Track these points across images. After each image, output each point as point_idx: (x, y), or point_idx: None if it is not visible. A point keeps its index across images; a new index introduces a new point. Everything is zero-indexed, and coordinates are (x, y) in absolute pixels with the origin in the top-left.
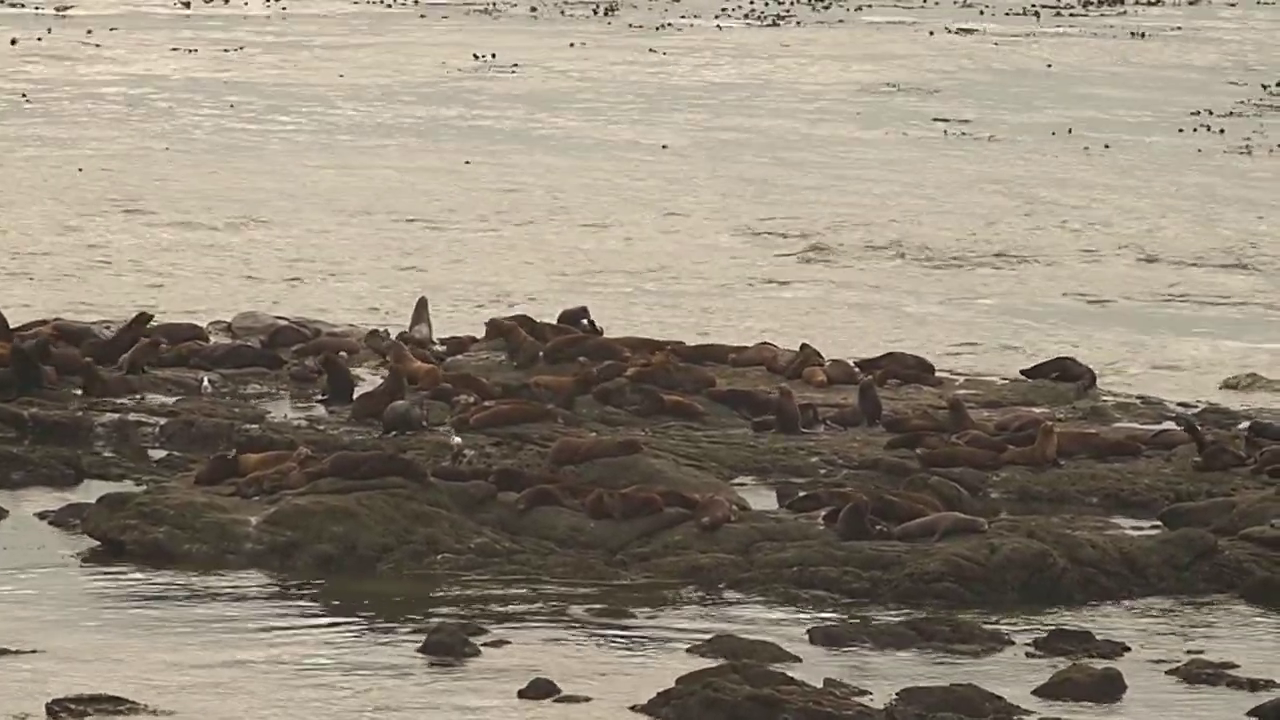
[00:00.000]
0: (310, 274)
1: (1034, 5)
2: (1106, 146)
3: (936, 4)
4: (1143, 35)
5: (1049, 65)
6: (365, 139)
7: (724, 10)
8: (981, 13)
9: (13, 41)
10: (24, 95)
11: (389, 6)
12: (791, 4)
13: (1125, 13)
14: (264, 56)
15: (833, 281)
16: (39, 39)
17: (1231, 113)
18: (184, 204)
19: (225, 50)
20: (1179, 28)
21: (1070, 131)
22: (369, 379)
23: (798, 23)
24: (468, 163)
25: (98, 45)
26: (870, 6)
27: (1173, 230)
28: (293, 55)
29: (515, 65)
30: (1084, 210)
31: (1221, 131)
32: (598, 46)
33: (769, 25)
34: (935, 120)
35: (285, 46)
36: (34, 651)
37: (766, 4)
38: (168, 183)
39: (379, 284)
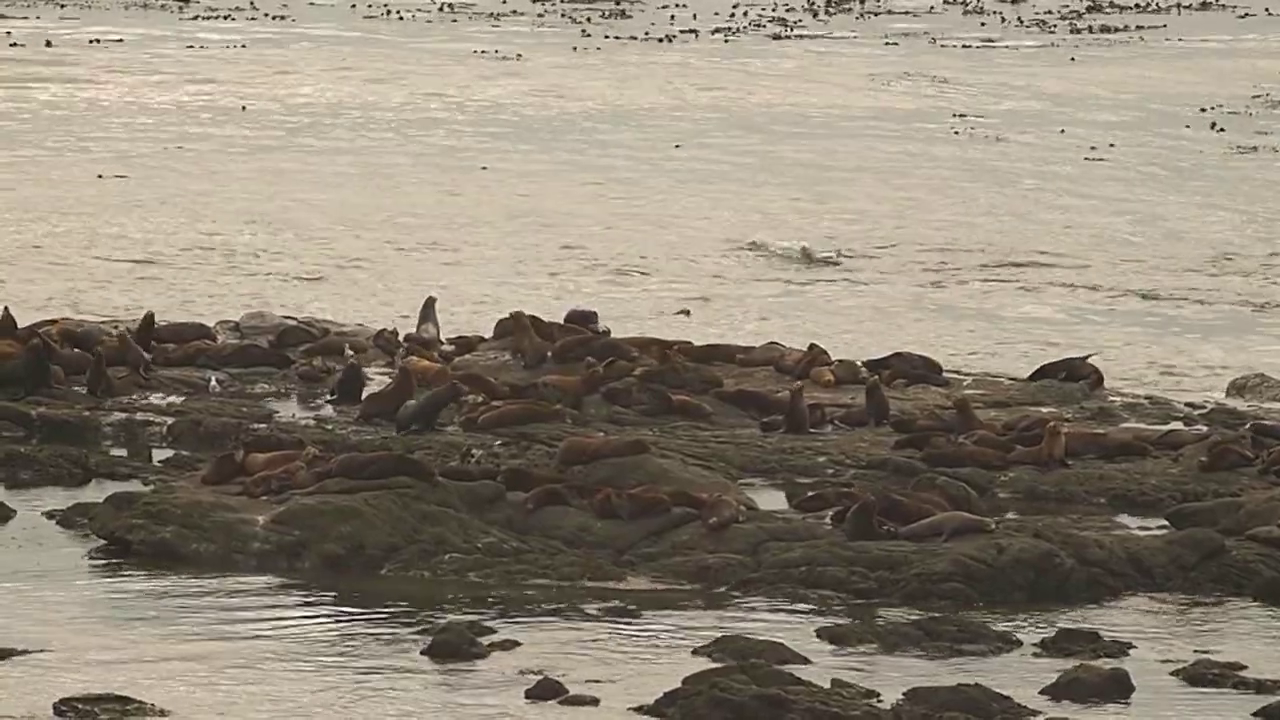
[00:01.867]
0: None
1: (1047, 14)
2: (1112, 145)
3: (946, 9)
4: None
5: (1069, 62)
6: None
7: (731, 23)
8: (983, 24)
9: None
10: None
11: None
12: (801, 10)
13: (1142, 30)
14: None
15: (846, 282)
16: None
17: (1246, 110)
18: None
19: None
20: (1205, 40)
21: (1080, 132)
22: (376, 378)
23: (815, 35)
24: (484, 168)
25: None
26: (876, 14)
27: (1182, 228)
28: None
29: (520, 55)
30: (1090, 210)
31: (1221, 130)
32: (610, 55)
33: (773, 38)
34: (952, 118)
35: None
36: (41, 651)
37: (772, 15)
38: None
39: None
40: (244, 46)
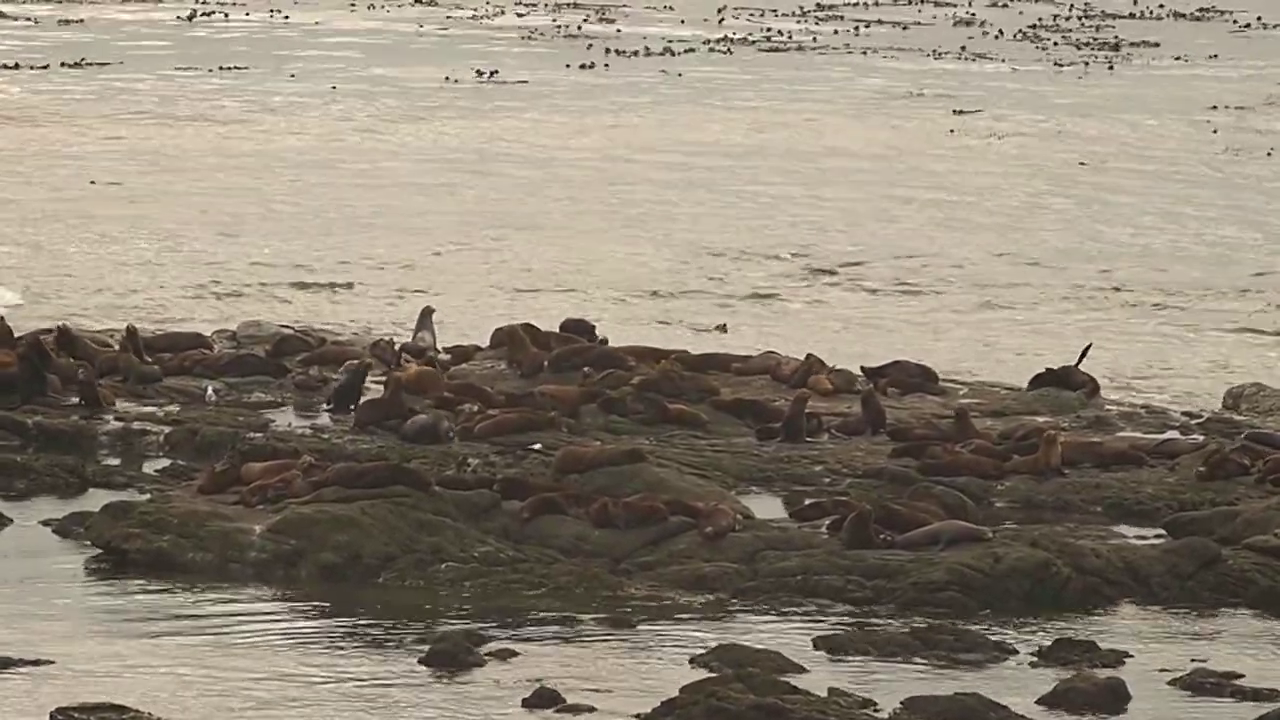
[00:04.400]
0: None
1: (1038, 21)
2: (1104, 160)
3: (934, 19)
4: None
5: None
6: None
7: (721, 30)
8: (970, 38)
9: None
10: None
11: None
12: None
13: (1139, 47)
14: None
15: (845, 292)
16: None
17: (1242, 106)
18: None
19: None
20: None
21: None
22: (374, 388)
23: (810, 47)
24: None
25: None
26: (867, 25)
27: (1177, 235)
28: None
29: (522, 83)
30: (1086, 215)
31: (1215, 132)
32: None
33: (768, 51)
34: (951, 114)
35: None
36: (37, 661)
37: (761, 27)
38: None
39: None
40: (242, 69)
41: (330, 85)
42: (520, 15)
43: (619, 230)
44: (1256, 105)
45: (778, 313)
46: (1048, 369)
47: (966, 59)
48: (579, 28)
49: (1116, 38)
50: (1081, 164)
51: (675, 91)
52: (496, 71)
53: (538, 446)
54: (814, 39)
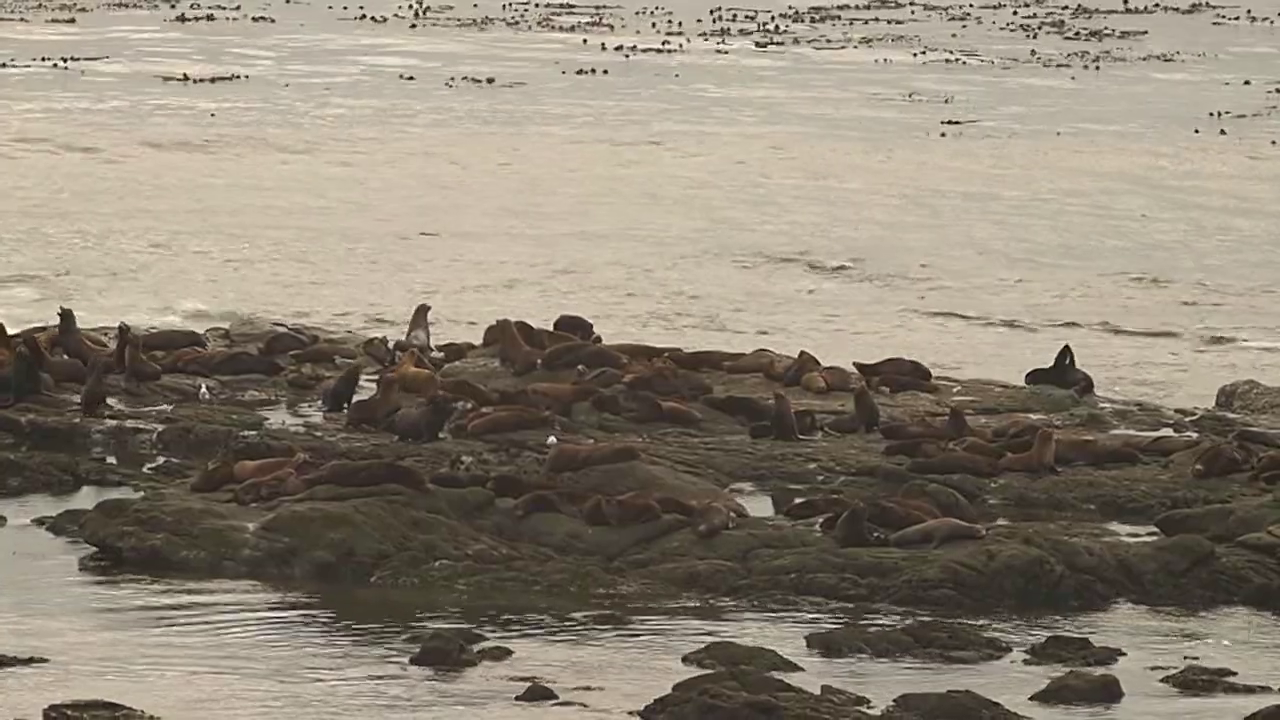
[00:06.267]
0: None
1: (1028, 21)
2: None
3: (929, 14)
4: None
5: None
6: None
7: (721, 33)
8: (964, 27)
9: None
10: None
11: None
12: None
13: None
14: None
15: (842, 290)
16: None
17: (1247, 115)
18: None
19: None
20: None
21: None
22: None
23: (806, 40)
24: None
25: None
26: (865, 21)
27: (1176, 234)
28: None
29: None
30: (1083, 212)
31: (1222, 132)
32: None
33: (759, 46)
34: (945, 123)
35: None
36: (31, 658)
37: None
38: None
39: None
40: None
41: (325, 86)
42: (512, 21)
43: (646, 233)
44: (1256, 105)
45: (805, 316)
46: (1062, 353)
47: (957, 64)
48: (573, 28)
49: (1106, 28)
50: (1077, 152)
51: (676, 105)
52: (494, 80)
53: (552, 439)
54: (809, 37)
